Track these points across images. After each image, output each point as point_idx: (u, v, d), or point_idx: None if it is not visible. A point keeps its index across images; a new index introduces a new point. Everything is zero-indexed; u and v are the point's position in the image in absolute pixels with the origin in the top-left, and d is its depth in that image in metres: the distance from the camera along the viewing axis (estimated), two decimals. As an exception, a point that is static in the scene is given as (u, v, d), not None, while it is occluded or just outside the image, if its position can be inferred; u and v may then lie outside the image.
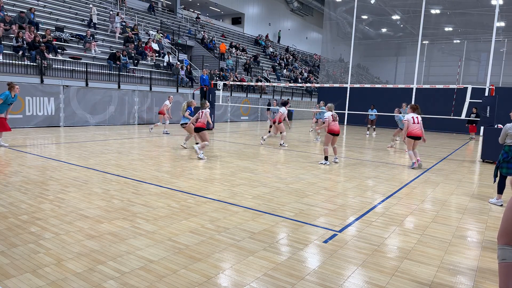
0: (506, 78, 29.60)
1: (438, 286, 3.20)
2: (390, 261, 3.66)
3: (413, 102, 20.83)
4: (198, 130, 9.02)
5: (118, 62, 17.67)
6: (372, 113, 17.65)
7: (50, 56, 15.28)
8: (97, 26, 20.11)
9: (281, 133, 12.32)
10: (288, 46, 41.63)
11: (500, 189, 6.02)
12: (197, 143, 9.36)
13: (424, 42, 30.18)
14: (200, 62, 25.09)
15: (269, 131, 13.88)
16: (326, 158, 8.94)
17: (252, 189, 6.26)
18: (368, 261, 3.63)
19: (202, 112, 9.02)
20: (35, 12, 17.38)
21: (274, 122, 12.53)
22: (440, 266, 3.58)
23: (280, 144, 12.21)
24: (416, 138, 8.92)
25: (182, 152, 10.03)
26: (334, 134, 8.86)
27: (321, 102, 17.26)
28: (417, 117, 9.01)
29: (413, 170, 8.85)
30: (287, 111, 12.49)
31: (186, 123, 10.65)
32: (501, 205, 5.92)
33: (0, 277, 3.02)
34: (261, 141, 12.71)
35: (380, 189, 6.75)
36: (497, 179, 6.04)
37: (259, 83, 25.81)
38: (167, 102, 14.42)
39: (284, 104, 12.66)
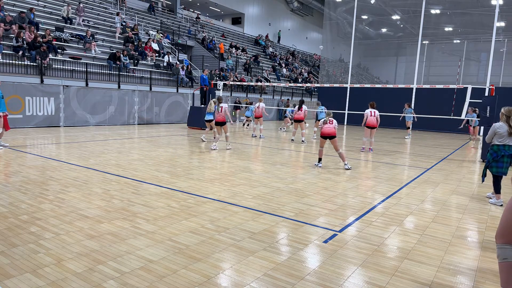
0: (506, 78, 29.60)
1: (438, 286, 3.20)
2: (390, 261, 3.66)
3: (413, 103, 20.88)
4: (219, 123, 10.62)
5: (118, 62, 17.67)
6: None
7: (50, 56, 15.27)
8: (73, 21, 19.69)
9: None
10: (293, 50, 41.59)
11: (497, 189, 6.06)
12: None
13: (424, 42, 30.17)
14: (200, 62, 25.09)
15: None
16: (319, 160, 8.76)
17: (252, 189, 6.26)
18: (368, 261, 3.63)
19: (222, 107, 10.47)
20: (35, 12, 17.37)
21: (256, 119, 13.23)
22: (440, 266, 3.58)
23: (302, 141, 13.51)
24: (371, 127, 11.43)
25: (182, 151, 10.03)
26: (324, 136, 8.48)
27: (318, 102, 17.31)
28: (374, 112, 11.37)
29: (413, 169, 8.86)
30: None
31: (211, 120, 11.58)
32: (501, 205, 5.94)
33: (0, 277, 3.02)
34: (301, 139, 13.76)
35: (380, 189, 6.75)
36: (485, 178, 6.16)
37: (259, 83, 25.81)
38: (262, 104, 14.64)
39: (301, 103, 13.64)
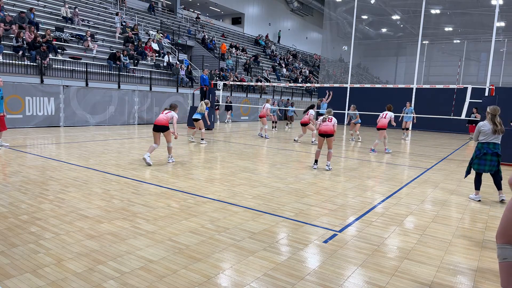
0: (506, 78, 29.58)
1: (438, 286, 3.20)
2: (390, 261, 3.66)
3: (413, 103, 20.89)
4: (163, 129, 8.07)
5: (118, 62, 17.66)
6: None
7: (50, 56, 15.27)
8: (73, 20, 19.64)
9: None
10: (296, 53, 41.54)
11: (477, 185, 6.25)
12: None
13: (424, 42, 30.16)
14: (200, 62, 25.09)
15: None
16: (315, 162, 8.47)
17: (252, 189, 6.26)
18: (368, 261, 3.63)
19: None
20: (35, 12, 17.37)
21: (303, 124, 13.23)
22: (440, 266, 3.58)
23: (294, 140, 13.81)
24: (380, 129, 11.42)
25: (182, 151, 10.03)
26: (321, 134, 8.27)
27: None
28: (385, 114, 11.53)
29: (413, 169, 8.86)
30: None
31: (199, 119, 11.89)
32: (479, 201, 6.14)
33: (0, 277, 3.02)
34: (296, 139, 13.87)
35: (380, 189, 6.75)
36: (468, 175, 6.36)
37: (259, 83, 25.81)
38: (268, 105, 14.41)
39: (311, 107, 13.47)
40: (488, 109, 6.10)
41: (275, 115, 18.65)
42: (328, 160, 8.41)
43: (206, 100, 12.50)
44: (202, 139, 12.03)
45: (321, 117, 8.49)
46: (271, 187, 6.50)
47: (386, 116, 11.48)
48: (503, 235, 2.79)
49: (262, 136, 14.58)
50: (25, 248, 3.58)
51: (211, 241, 3.95)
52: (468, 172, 6.35)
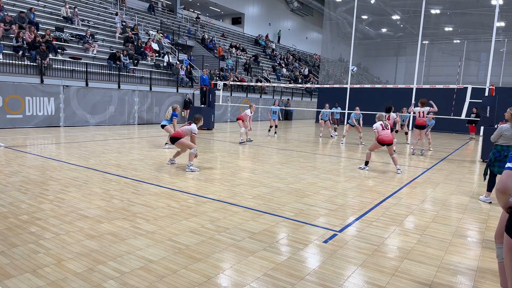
0: (506, 78, 29.56)
1: (438, 286, 3.20)
2: (390, 261, 3.66)
3: (413, 103, 20.89)
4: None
5: (118, 62, 17.66)
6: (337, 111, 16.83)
7: (50, 56, 15.26)
8: (73, 20, 19.59)
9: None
10: (299, 56, 41.51)
11: (490, 186, 6.13)
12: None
13: (424, 42, 30.14)
14: (200, 62, 25.09)
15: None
16: (366, 163, 8.60)
17: (252, 189, 6.26)
18: (368, 261, 3.63)
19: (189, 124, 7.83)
20: (35, 12, 17.37)
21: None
22: (440, 266, 3.58)
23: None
24: (419, 127, 11.03)
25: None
26: (383, 143, 8.21)
27: (336, 103, 16.97)
28: (423, 112, 11.06)
29: (413, 170, 8.86)
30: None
31: (165, 125, 10.59)
32: (490, 203, 6.04)
33: (0, 277, 3.02)
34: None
35: (380, 189, 6.75)
36: (487, 177, 6.12)
37: (259, 83, 25.81)
38: (248, 112, 13.37)
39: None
40: (510, 110, 5.88)
41: (274, 119, 17.56)
42: (396, 164, 8.38)
43: (174, 105, 10.90)
44: (166, 143, 10.92)
45: (377, 125, 8.23)
46: (271, 187, 6.50)
47: (424, 114, 10.89)
48: (501, 235, 2.80)
49: (243, 141, 13.36)
50: (25, 248, 3.58)
51: (211, 241, 3.95)
52: (486, 174, 6.10)
